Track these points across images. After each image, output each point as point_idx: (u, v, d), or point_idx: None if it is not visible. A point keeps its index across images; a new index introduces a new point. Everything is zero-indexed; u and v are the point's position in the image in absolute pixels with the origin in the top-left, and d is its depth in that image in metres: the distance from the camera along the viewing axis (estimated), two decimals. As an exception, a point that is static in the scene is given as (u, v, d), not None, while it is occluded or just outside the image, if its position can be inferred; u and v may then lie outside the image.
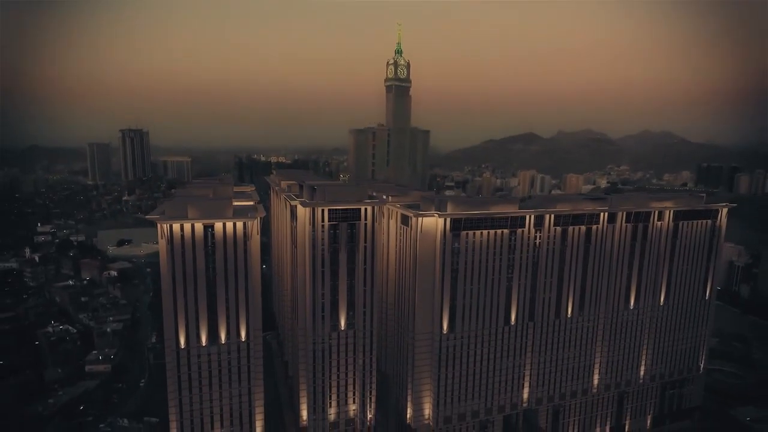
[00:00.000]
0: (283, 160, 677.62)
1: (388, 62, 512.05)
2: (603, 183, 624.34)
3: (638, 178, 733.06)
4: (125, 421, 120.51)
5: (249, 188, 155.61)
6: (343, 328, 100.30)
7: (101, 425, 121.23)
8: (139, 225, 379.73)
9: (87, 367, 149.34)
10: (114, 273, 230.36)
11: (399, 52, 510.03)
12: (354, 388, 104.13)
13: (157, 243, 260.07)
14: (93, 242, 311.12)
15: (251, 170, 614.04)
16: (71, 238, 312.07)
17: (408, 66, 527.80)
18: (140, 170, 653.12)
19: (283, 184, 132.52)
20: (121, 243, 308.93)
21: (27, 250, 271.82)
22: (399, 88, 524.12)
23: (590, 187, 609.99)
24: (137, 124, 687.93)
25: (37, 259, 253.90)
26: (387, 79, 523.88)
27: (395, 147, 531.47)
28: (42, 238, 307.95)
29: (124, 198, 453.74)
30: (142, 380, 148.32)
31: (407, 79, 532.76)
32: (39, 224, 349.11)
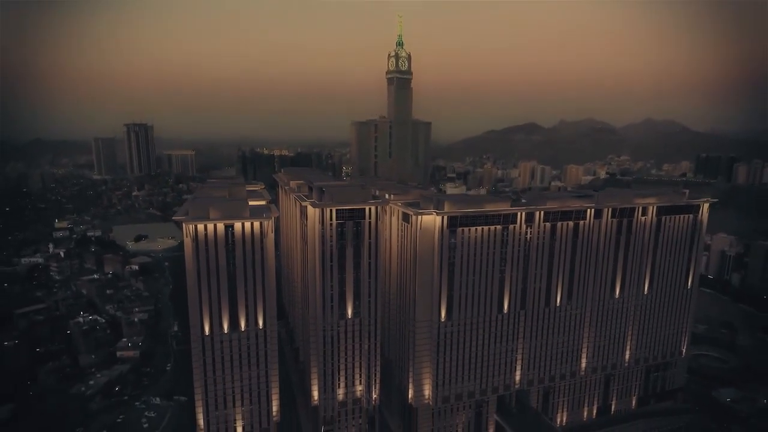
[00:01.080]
0: (286, 154, 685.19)
1: (389, 54, 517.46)
2: (603, 173, 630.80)
3: (638, 168, 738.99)
4: (158, 399, 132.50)
5: (259, 186, 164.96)
6: (350, 317, 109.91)
7: (136, 403, 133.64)
8: (152, 220, 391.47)
9: (118, 353, 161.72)
10: (135, 267, 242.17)
11: (400, 44, 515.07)
12: (360, 370, 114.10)
13: (172, 238, 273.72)
14: (110, 237, 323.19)
15: (255, 164, 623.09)
16: (88, 234, 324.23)
17: (409, 58, 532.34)
18: (145, 164, 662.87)
19: (293, 183, 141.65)
20: (138, 238, 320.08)
21: (51, 246, 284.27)
22: (400, 80, 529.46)
23: (590, 177, 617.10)
24: (141, 118, 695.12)
25: (62, 254, 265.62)
26: (388, 72, 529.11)
27: (397, 139, 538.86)
28: (60, 233, 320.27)
29: (134, 193, 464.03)
30: (168, 364, 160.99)
31: (408, 71, 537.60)
32: (56, 220, 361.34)
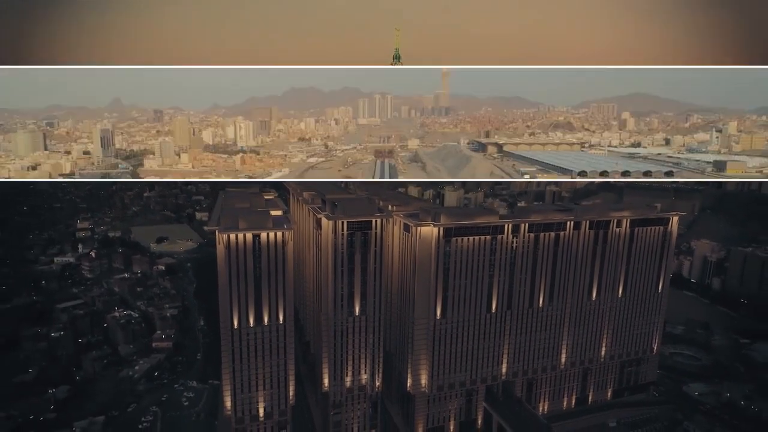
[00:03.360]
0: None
1: None
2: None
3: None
4: (194, 383, 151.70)
5: (272, 195, 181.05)
6: (357, 314, 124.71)
7: (175, 386, 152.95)
8: (167, 222, 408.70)
9: (153, 344, 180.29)
10: (162, 267, 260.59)
11: (397, 57, 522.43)
12: (365, 361, 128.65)
13: (189, 240, 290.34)
14: (131, 239, 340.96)
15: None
16: (109, 235, 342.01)
17: None
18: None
19: (306, 194, 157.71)
20: (159, 240, 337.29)
21: (80, 246, 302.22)
22: None
23: (586, 181, 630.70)
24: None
25: (93, 254, 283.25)
26: None
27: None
28: (82, 233, 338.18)
29: (146, 194, 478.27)
30: (198, 354, 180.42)
31: None
32: (78, 221, 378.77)
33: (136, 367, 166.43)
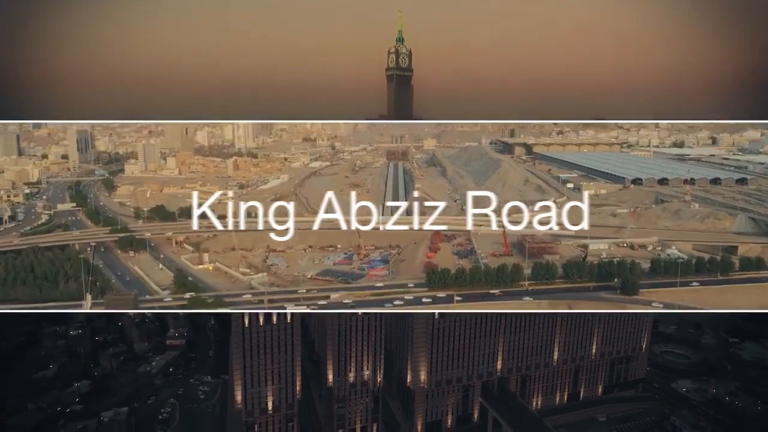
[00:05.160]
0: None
1: (389, 51, 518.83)
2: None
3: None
4: (208, 377, 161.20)
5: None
6: (360, 314, 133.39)
7: (190, 380, 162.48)
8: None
9: (167, 342, 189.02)
10: None
11: (400, 40, 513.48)
12: (367, 358, 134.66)
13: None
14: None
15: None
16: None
17: (410, 55, 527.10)
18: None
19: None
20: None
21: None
22: (400, 78, 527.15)
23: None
24: (132, 116, 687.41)
25: None
26: (388, 68, 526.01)
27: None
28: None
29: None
30: (210, 351, 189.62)
31: (409, 68, 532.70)
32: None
33: (153, 363, 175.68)
